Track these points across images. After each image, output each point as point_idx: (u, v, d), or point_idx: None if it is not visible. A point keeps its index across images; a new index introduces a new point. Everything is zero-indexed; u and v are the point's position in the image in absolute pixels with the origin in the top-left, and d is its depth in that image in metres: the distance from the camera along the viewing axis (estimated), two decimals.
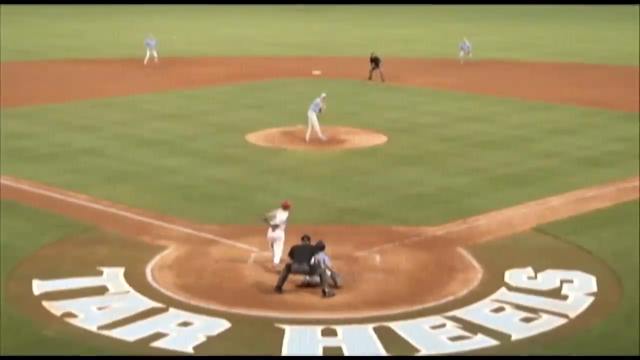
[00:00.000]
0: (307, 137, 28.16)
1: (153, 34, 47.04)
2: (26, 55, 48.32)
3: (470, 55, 47.86)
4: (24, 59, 47.30)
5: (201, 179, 23.94)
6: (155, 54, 45.10)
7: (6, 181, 23.44)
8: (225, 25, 67.23)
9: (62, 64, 45.95)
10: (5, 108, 33.66)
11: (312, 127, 28.11)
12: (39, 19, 67.35)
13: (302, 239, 16.46)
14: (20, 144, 27.83)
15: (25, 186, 23.01)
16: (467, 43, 48.22)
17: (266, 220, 17.27)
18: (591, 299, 15.79)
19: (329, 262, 16.25)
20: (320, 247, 16.35)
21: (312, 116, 28.12)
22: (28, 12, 72.97)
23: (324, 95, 28.86)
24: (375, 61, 41.73)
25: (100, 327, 14.51)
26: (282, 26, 67.29)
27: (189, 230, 19.54)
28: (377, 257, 17.91)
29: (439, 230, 19.68)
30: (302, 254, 16.09)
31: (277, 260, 17.07)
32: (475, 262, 17.65)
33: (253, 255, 17.79)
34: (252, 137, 29.25)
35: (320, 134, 28.20)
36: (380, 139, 29.17)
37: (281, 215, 17.22)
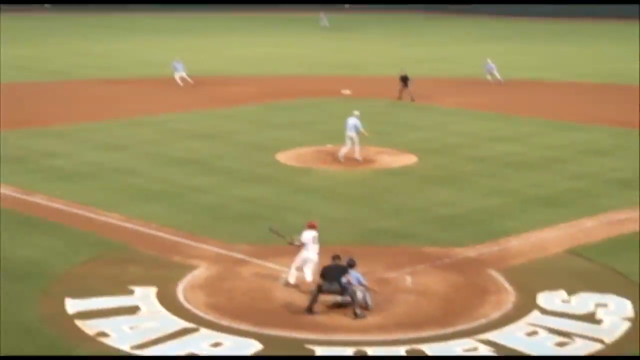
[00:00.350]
0: (356, 155, 28.17)
1: (179, 56, 47.29)
2: (60, 75, 48.89)
3: (497, 74, 47.64)
4: (58, 78, 47.87)
5: (232, 199, 24.01)
6: (185, 75, 45.39)
7: (40, 199, 23.68)
8: (255, 44, 67.62)
9: (95, 83, 46.44)
10: (39, 127, 34.05)
11: (354, 145, 28.19)
12: (71, 39, 68.16)
13: (333, 258, 16.44)
14: (53, 163, 28.11)
15: (58, 205, 23.21)
16: (491, 64, 48.08)
17: (291, 242, 17.32)
18: (627, 324, 15.58)
19: (363, 280, 16.23)
20: (351, 265, 16.31)
21: (354, 136, 28.22)
22: (61, 32, 73.92)
23: (357, 113, 28.88)
24: (404, 80, 41.77)
25: (133, 347, 14.57)
26: (312, 46, 67.55)
27: (220, 250, 19.58)
28: (408, 279, 17.82)
29: (470, 252, 19.55)
30: (332, 274, 16.06)
31: (309, 278, 17.04)
32: (507, 285, 17.50)
33: (284, 275, 17.78)
34: (282, 157, 29.32)
35: (358, 154, 28.25)
36: (410, 159, 29.11)
37: (307, 235, 17.22)
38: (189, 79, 45.11)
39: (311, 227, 17.39)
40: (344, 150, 28.43)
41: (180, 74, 45.24)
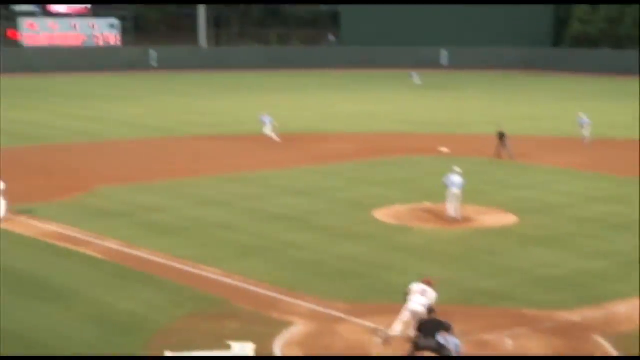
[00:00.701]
0: (454, 213, 27.99)
1: (268, 111, 48.06)
2: (163, 132, 50.40)
3: (590, 131, 46.36)
4: (162, 135, 49.35)
5: (328, 255, 24.10)
6: (268, 131, 46.00)
7: (143, 253, 24.29)
8: (351, 101, 68.30)
9: (196, 140, 47.67)
10: (143, 182, 35.08)
11: (454, 203, 28.02)
12: (175, 98, 70.33)
13: (429, 312, 16.25)
14: (155, 218, 28.85)
15: (160, 259, 23.76)
16: (585, 119, 47.03)
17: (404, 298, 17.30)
18: None
19: (459, 347, 15.93)
20: (447, 328, 16.06)
21: (456, 193, 28.08)
22: (166, 90, 76.38)
23: (459, 170, 28.71)
24: (501, 137, 41.38)
25: None
26: (406, 103, 67.77)
27: (317, 307, 19.62)
28: (509, 342, 17.41)
29: (574, 316, 19.00)
30: (429, 328, 15.80)
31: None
32: (615, 352, 16.90)
33: (381, 333, 17.64)
34: (379, 214, 29.33)
35: (457, 212, 28.03)
36: (509, 219, 28.67)
37: (416, 287, 17.17)
38: (274, 136, 45.71)
39: (426, 282, 17.36)
40: (450, 207, 28.19)
41: (267, 129, 45.93)
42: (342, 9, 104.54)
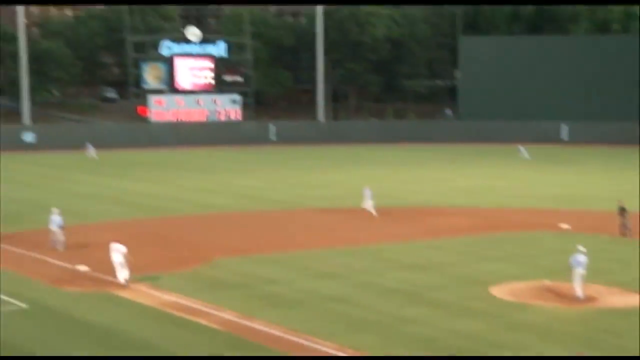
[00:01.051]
0: (578, 292, 27.13)
1: (369, 185, 48.22)
2: (280, 204, 51.18)
3: None
4: (279, 207, 50.11)
5: (443, 331, 23.64)
6: (368, 205, 46.14)
7: (259, 325, 24.48)
8: (467, 176, 67.67)
9: (312, 212, 48.13)
10: (259, 254, 35.57)
11: (577, 282, 27.16)
12: (292, 171, 71.50)
13: None
14: (270, 289, 29.12)
15: (276, 331, 23.88)
16: None
17: None
18: None
19: None
20: None
21: (581, 272, 27.22)
22: (283, 164, 77.81)
23: (583, 249, 27.83)
24: (622, 212, 39.96)
25: None
26: (519, 177, 66.56)
27: None
28: None
29: None
30: None
31: None
32: None
33: None
34: (496, 291, 28.66)
35: (580, 291, 27.11)
36: (635, 299, 27.46)
37: None
38: (373, 210, 45.74)
39: None
40: (578, 288, 27.25)
41: (367, 203, 46.06)
42: (460, 83, 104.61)
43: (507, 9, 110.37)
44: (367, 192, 46.54)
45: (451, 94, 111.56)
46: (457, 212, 48.25)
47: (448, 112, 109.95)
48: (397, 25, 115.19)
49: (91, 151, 78.46)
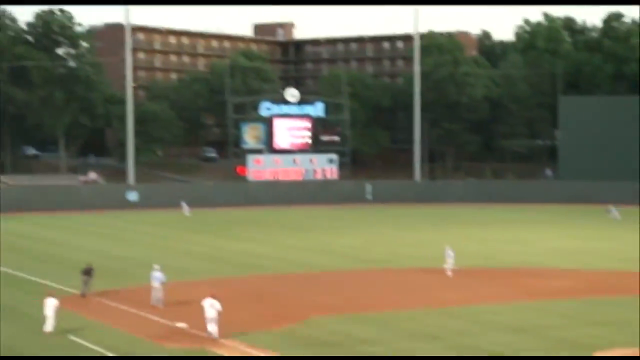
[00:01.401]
0: None
1: (451, 245, 47.59)
2: (376, 263, 51.00)
3: None
4: (374, 266, 49.93)
5: None
6: (448, 265, 45.52)
7: None
8: (568, 237, 65.99)
9: (407, 272, 47.74)
10: (354, 313, 35.40)
11: None
12: (388, 230, 71.28)
13: None
14: (365, 350, 28.90)
15: None
16: None
17: None
18: None
19: None
20: None
21: None
22: (378, 224, 77.67)
23: None
24: None
25: None
26: (624, 239, 64.44)
27: None
28: None
29: None
30: None
31: None
32: None
33: None
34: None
35: None
36: None
37: None
38: (449, 271, 45.14)
39: None
40: None
41: (448, 263, 45.52)
42: (560, 143, 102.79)
43: (609, 68, 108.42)
44: (449, 252, 46.14)
45: (551, 154, 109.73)
46: (557, 273, 47.04)
47: (548, 172, 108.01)
48: (496, 85, 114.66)
49: (185, 209, 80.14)
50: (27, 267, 47.25)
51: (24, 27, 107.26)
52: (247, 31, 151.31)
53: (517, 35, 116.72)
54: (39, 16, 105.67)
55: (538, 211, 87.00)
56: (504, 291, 41.18)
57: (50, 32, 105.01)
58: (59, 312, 31.58)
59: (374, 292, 41.04)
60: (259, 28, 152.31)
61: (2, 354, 28.29)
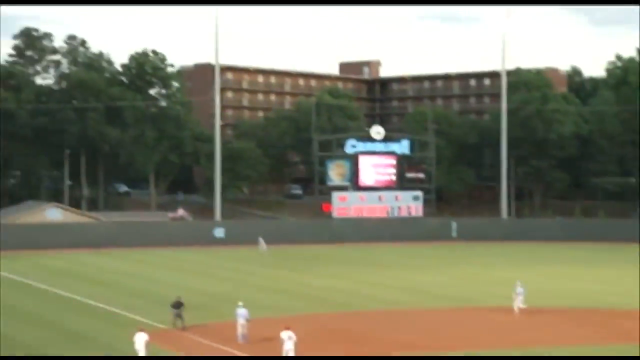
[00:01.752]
0: None
1: (522, 282, 46.70)
2: (461, 301, 50.40)
3: None
4: (460, 304, 49.36)
5: None
6: (518, 304, 44.66)
7: None
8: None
9: (494, 311, 46.96)
10: (439, 352, 35.03)
11: None
12: (474, 268, 70.40)
13: None
14: None
15: None
16: None
17: None
18: None
19: None
20: None
21: None
22: (464, 261, 76.77)
23: None
24: None
25: None
26: None
27: None
28: None
29: None
30: None
31: None
32: None
33: None
34: None
35: None
36: None
37: None
38: (516, 308, 44.38)
39: None
40: None
41: (517, 300, 44.77)
42: None
43: None
44: (519, 289, 45.38)
45: None
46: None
47: None
48: (585, 122, 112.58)
49: (262, 245, 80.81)
50: (115, 301, 48.51)
51: (119, 68, 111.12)
52: (334, 70, 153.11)
53: (608, 71, 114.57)
54: (133, 58, 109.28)
55: (630, 250, 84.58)
56: (596, 332, 40.18)
57: (144, 73, 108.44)
58: (148, 347, 32.30)
59: (459, 331, 40.59)
60: (345, 66, 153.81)
61: None
